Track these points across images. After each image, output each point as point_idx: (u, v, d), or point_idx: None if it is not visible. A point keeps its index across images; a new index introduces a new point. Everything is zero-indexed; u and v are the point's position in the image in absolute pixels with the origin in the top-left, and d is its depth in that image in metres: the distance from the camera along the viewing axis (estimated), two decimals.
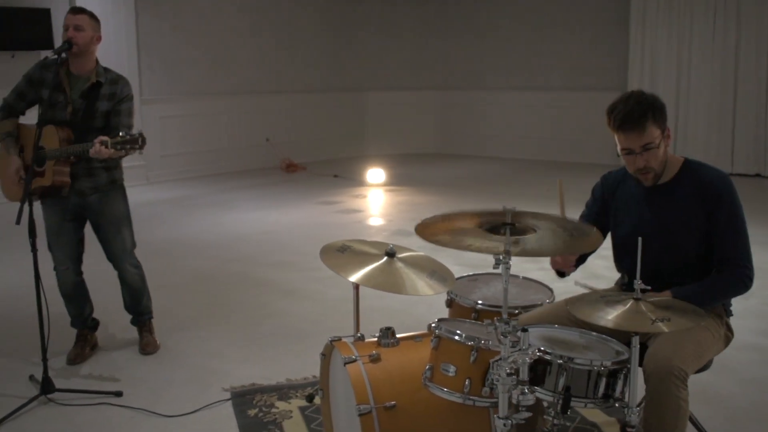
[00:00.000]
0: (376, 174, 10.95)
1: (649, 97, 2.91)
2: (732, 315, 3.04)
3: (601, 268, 4.80)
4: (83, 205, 4.27)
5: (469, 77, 14.04)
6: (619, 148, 2.93)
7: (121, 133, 3.85)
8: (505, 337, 2.23)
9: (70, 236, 4.32)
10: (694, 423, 3.19)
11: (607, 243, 3.16)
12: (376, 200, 9.79)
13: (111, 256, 4.43)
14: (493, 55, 13.66)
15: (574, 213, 3.18)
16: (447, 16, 14.15)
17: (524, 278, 3.56)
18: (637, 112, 2.84)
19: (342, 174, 11.66)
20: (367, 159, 12.86)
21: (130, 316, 4.68)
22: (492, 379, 2.37)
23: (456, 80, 14.23)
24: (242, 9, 12.18)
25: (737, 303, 3.10)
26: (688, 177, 2.95)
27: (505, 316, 2.26)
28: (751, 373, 4.24)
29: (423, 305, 5.01)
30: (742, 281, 2.85)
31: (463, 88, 14.12)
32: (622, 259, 3.14)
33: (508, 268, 2.29)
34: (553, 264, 3.19)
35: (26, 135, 4.21)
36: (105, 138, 3.85)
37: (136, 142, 3.83)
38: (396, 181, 11.06)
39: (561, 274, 3.25)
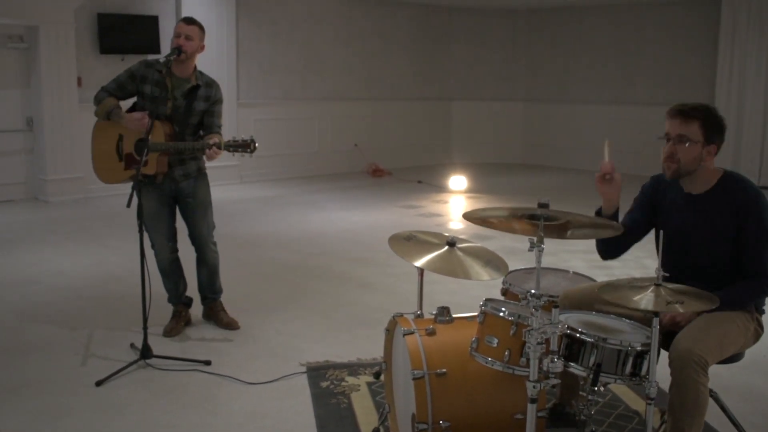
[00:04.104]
0: (458, 181, 11.28)
1: (714, 111, 3.18)
2: (764, 312, 3.28)
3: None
4: (176, 190, 4.79)
5: (556, 90, 14.23)
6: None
7: (233, 137, 4.33)
8: (537, 310, 2.57)
9: (166, 219, 4.84)
10: (730, 417, 3.41)
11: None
12: (457, 206, 10.13)
13: (195, 237, 4.92)
14: (580, 69, 13.83)
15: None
16: (536, 30, 14.40)
17: (574, 273, 3.87)
18: (689, 108, 3.16)
19: (426, 180, 12.04)
20: (451, 167, 13.19)
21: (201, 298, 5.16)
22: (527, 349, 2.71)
23: (543, 92, 14.45)
24: (335, 19, 12.72)
25: None
26: (724, 189, 3.20)
27: (537, 292, 2.61)
28: None
29: (481, 293, 5.36)
30: (764, 290, 3.15)
31: (550, 101, 14.32)
32: (663, 256, 3.41)
33: (541, 251, 2.63)
34: (599, 189, 3.34)
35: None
36: (217, 140, 4.36)
37: (248, 147, 4.33)
38: (478, 188, 11.37)
39: (609, 254, 3.52)
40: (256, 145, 4.35)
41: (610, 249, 3.50)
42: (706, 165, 3.20)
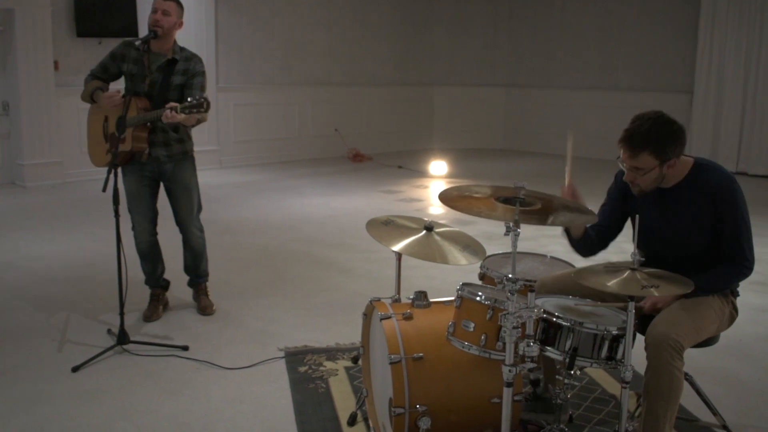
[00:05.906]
0: (438, 166, 11.28)
1: (664, 127, 3.04)
2: (738, 295, 3.31)
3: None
4: (159, 171, 4.75)
5: (538, 75, 14.23)
6: None
7: (189, 99, 4.29)
8: (513, 294, 2.58)
9: (147, 200, 4.80)
10: (704, 400, 3.45)
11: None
12: (437, 191, 10.10)
13: (179, 219, 4.90)
14: (562, 54, 13.82)
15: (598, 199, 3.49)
16: (518, 15, 14.37)
17: (552, 257, 3.88)
18: (638, 139, 3.03)
19: (406, 165, 12.03)
20: (432, 152, 13.19)
21: (188, 279, 5.16)
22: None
23: (524, 78, 14.44)
24: (316, 3, 12.64)
25: None
26: (696, 180, 3.15)
27: (513, 276, 2.61)
28: None
29: (459, 277, 5.38)
30: (742, 272, 3.15)
31: (532, 86, 14.31)
32: (639, 245, 3.41)
33: (516, 235, 2.63)
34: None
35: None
36: (175, 104, 4.30)
37: (201, 106, 4.27)
38: (459, 173, 11.36)
39: (587, 251, 3.51)
40: (209, 102, 4.29)
41: (587, 246, 3.47)
42: (673, 170, 3.13)
